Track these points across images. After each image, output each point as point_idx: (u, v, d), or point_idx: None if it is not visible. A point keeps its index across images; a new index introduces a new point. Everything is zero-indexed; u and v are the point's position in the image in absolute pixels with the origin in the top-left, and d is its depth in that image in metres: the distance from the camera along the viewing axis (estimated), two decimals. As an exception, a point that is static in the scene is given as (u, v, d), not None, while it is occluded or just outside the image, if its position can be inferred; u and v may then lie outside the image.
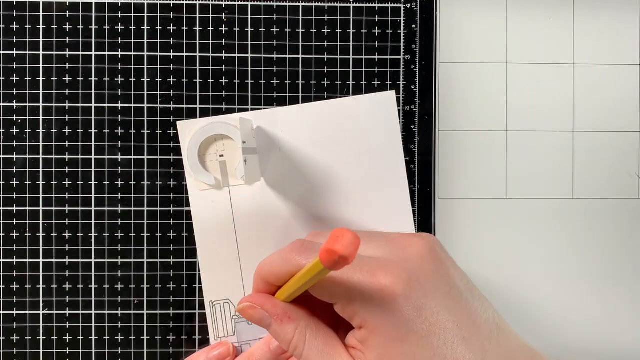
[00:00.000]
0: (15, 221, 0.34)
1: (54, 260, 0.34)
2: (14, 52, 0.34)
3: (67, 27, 0.34)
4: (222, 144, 0.32)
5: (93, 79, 0.34)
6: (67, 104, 0.34)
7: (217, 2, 0.34)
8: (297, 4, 0.35)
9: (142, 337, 0.34)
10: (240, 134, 0.29)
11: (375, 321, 0.24)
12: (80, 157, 0.34)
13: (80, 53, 0.34)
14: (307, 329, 0.26)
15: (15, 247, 0.34)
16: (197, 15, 0.34)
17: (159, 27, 0.34)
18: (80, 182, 0.34)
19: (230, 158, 0.32)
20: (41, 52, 0.34)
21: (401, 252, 0.25)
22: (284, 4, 0.35)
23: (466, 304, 0.25)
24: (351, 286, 0.24)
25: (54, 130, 0.34)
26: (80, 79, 0.34)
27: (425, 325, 0.23)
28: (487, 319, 0.25)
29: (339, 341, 0.26)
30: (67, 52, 0.34)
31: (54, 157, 0.34)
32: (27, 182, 0.34)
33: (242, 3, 0.35)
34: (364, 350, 0.24)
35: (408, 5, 0.35)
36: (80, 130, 0.34)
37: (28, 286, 0.34)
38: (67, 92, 0.34)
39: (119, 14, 0.34)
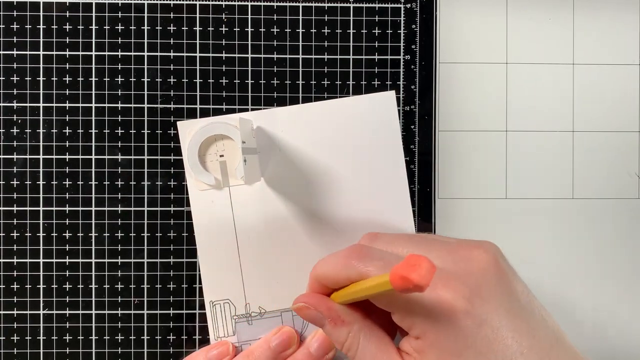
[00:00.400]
0: (15, 221, 0.34)
1: (54, 260, 0.34)
2: (14, 52, 0.34)
3: (67, 27, 0.34)
4: (222, 144, 0.32)
5: (93, 79, 0.34)
6: (67, 104, 0.34)
7: (217, 2, 0.34)
8: (297, 4, 0.35)
9: (142, 337, 0.34)
10: (240, 134, 0.29)
11: (433, 334, 0.23)
12: (80, 157, 0.34)
13: (80, 53, 0.34)
14: (360, 332, 0.26)
15: (15, 247, 0.34)
16: (197, 15, 0.34)
17: (159, 27, 0.34)
18: (80, 182, 0.34)
19: (230, 158, 0.32)
20: (41, 52, 0.34)
21: (464, 264, 0.25)
22: (284, 4, 0.35)
23: (526, 318, 0.24)
24: (410, 298, 0.23)
25: (54, 130, 0.34)
26: (80, 79, 0.34)
27: (485, 342, 0.23)
28: (547, 333, 0.24)
29: (392, 346, 0.26)
30: (67, 52, 0.34)
31: (54, 157, 0.34)
32: (27, 182, 0.34)
33: (242, 3, 0.35)
34: (418, 359, 0.24)
35: (408, 5, 0.35)
36: (80, 130, 0.34)
37: (28, 286, 0.34)
38: (67, 92, 0.34)
39: (119, 14, 0.34)
